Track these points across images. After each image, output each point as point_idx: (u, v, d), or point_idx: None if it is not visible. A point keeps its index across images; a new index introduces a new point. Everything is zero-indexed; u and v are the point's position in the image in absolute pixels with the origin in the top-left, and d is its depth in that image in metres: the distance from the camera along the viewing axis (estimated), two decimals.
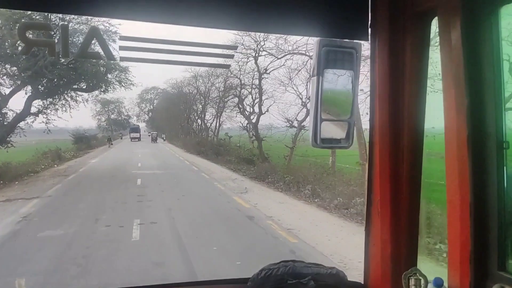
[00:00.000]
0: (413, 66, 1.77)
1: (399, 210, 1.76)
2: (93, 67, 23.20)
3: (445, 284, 1.61)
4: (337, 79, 1.79)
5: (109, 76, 26.82)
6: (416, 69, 1.78)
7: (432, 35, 1.80)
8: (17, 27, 1.29)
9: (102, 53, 1.35)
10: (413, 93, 1.79)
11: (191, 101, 45.74)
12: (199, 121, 46.36)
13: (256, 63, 23.06)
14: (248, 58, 23.05)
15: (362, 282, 1.95)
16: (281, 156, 22.76)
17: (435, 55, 1.79)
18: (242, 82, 26.25)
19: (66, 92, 24.58)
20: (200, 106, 43.37)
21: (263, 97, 24.48)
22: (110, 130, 75.89)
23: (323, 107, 1.75)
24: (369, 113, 1.86)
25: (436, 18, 1.69)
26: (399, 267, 1.70)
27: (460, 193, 1.56)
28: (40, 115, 23.64)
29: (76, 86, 25.31)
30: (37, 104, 23.63)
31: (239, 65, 24.04)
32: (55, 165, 25.27)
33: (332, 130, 1.80)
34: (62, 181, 18.92)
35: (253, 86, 25.26)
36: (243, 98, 26.88)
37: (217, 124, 37.52)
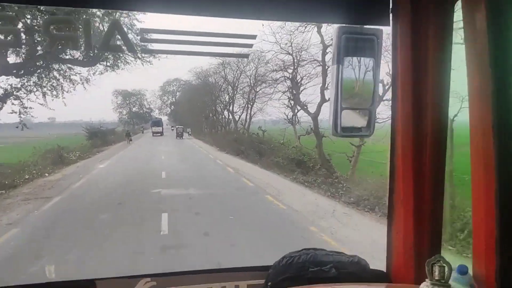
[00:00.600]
0: (436, 52, 1.72)
1: (423, 198, 1.74)
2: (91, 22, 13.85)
3: (470, 271, 1.58)
4: (357, 67, 1.77)
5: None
6: (440, 55, 1.73)
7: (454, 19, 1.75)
8: (42, 24, 1.32)
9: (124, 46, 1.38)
10: (436, 81, 1.75)
11: (218, 91, 42.27)
12: (225, 113, 42.65)
13: (319, 32, 16.88)
14: (305, 28, 17.47)
15: (385, 270, 1.95)
16: (339, 157, 17.08)
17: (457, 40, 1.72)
18: (298, 58, 19.50)
19: (52, 66, 16.17)
20: (227, 97, 40.14)
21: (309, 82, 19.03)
22: (131, 123, 71.96)
23: (343, 95, 1.74)
24: (390, 101, 1.83)
25: (459, 0, 1.64)
26: (423, 255, 1.68)
27: (485, 180, 1.53)
28: (9, 100, 15.47)
29: (68, 57, 16.07)
30: (6, 83, 15.25)
31: (291, 38, 18.75)
32: (47, 174, 17.33)
33: (352, 118, 1.79)
34: (31, 214, 10.78)
35: (313, 63, 18.76)
36: (299, 80, 20.01)
37: (247, 117, 34.18)
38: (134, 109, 74.61)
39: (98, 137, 36.34)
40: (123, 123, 69.45)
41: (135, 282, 1.91)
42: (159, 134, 57.76)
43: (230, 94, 38.53)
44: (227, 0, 1.53)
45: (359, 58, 1.75)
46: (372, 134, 1.84)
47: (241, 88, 35.83)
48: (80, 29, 1.39)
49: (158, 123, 61.41)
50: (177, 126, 52.21)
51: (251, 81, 33.32)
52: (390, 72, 1.94)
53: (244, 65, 30.61)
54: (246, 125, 34.32)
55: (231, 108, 38.37)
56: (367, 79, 1.79)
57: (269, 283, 1.80)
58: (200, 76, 44.30)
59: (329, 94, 1.81)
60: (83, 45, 1.34)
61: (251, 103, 33.99)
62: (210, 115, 50.57)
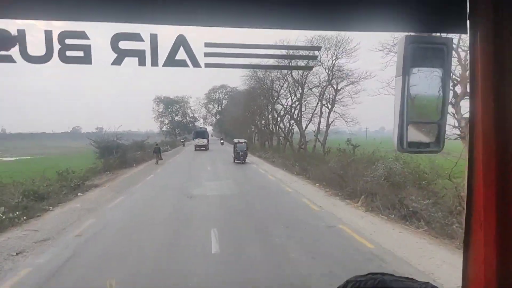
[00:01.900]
0: None
1: (507, 220, 1.56)
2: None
3: None
4: (425, 78, 1.68)
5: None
6: None
7: None
8: (110, 39, 1.37)
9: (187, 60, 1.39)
10: None
11: (276, 95, 35.71)
12: (283, 123, 36.22)
13: None
14: None
15: None
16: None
17: None
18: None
19: None
20: (289, 101, 33.95)
21: None
22: (173, 134, 65.67)
23: (410, 108, 1.65)
24: (468, 113, 1.70)
25: None
26: (508, 287, 1.51)
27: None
28: None
29: None
30: None
31: None
32: None
33: (420, 133, 1.69)
34: None
35: None
36: None
37: (319, 127, 29.14)
38: (176, 118, 68.18)
39: (113, 154, 27.11)
40: (164, 133, 64.88)
41: None
42: (204, 148, 47.87)
43: (293, 98, 33.69)
44: (284, 12, 1.49)
45: (427, 68, 1.65)
46: (441, 150, 1.72)
47: (309, 89, 30.78)
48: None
49: (202, 134, 49.82)
50: (240, 141, 32.92)
51: (329, 75, 27.43)
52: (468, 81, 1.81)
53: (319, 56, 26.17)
54: (323, 139, 28.99)
55: (298, 116, 32.53)
56: (435, 91, 1.69)
57: None
58: (255, 77, 37.84)
59: (394, 107, 1.72)
60: (150, 61, 1.37)
61: (331, 106, 28.18)
62: (263, 123, 44.02)
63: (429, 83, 1.67)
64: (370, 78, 26.05)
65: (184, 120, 69.34)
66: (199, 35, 1.63)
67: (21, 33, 1.35)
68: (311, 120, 32.59)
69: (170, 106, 66.20)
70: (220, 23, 1.44)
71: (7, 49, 1.35)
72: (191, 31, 1.36)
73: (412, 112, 1.64)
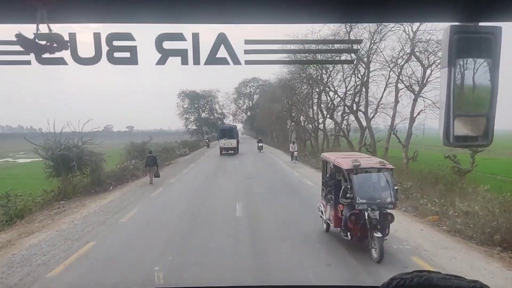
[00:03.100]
0: None
1: None
2: None
3: None
4: (472, 69, 1.61)
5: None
6: None
7: None
8: (154, 39, 1.42)
9: (228, 58, 1.41)
10: None
11: (322, 85, 27.94)
12: (335, 116, 28.30)
13: None
14: None
15: None
16: None
17: None
18: None
19: None
20: (337, 88, 26.49)
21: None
22: (200, 132, 55.63)
23: (456, 101, 1.60)
24: None
25: None
26: None
27: None
28: None
29: None
30: None
31: None
32: None
33: (467, 126, 1.63)
34: None
35: None
36: None
37: (393, 121, 21.82)
38: (203, 114, 58.44)
39: (74, 169, 17.25)
40: (190, 132, 55.53)
41: None
42: (232, 151, 35.45)
43: (348, 83, 25.04)
44: (315, 5, 1.48)
45: (474, 59, 1.59)
46: (490, 143, 1.65)
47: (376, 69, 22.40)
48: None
49: (230, 133, 36.74)
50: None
51: (412, 43, 19.84)
52: None
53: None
54: (371, 142, 22.21)
55: (354, 104, 25.19)
56: (483, 82, 1.62)
57: None
58: (293, 71, 31.08)
59: (439, 100, 1.67)
60: (192, 59, 1.41)
61: (418, 90, 19.37)
62: (305, 118, 36.36)
63: (477, 75, 1.60)
64: None
65: (212, 117, 59.10)
66: (240, 33, 1.65)
67: (72, 36, 1.43)
68: (376, 111, 24.31)
69: (196, 101, 56.63)
70: (258, 20, 1.46)
71: (60, 51, 1.43)
72: (232, 29, 1.38)
73: (459, 104, 1.59)
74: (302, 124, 37.66)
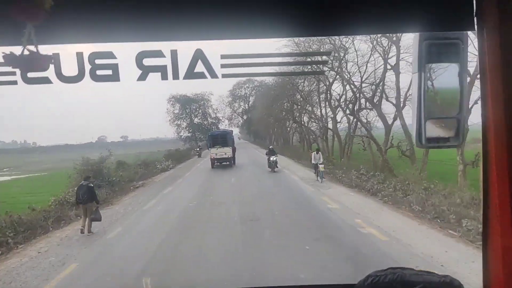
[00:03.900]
0: None
1: None
2: None
3: None
4: (441, 73, 1.69)
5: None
6: None
7: None
8: (135, 57, 1.49)
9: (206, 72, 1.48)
10: None
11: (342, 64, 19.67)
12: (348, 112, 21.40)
13: None
14: None
15: None
16: None
17: None
18: None
19: None
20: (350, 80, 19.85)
21: None
22: (193, 139, 51.56)
23: (427, 104, 1.66)
24: (480, 109, 1.70)
25: None
26: None
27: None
28: None
29: None
30: None
31: None
32: None
33: (438, 128, 1.70)
34: None
35: None
36: None
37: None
38: (196, 119, 53.12)
39: None
40: (183, 139, 50.94)
41: None
42: (227, 163, 27.52)
43: (364, 72, 19.79)
44: (288, 20, 1.54)
45: (443, 64, 1.66)
46: (461, 143, 1.73)
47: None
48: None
49: (223, 139, 28.24)
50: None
51: None
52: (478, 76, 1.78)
53: None
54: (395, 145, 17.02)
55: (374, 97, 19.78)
56: (453, 86, 1.69)
57: None
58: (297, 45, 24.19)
59: (411, 103, 1.74)
60: (172, 74, 1.47)
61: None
62: (303, 120, 32.20)
63: (446, 79, 1.67)
64: None
65: (205, 122, 53.97)
66: (215, 49, 1.72)
67: (56, 56, 1.49)
68: (404, 105, 18.88)
69: (187, 105, 52.00)
70: (233, 36, 1.52)
71: (44, 71, 1.49)
72: (208, 45, 1.45)
73: (430, 107, 1.66)
74: (306, 124, 32.36)
